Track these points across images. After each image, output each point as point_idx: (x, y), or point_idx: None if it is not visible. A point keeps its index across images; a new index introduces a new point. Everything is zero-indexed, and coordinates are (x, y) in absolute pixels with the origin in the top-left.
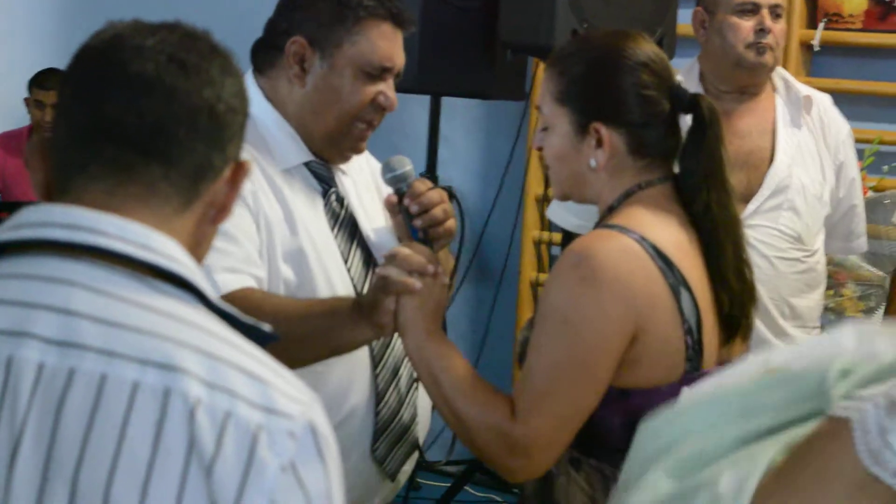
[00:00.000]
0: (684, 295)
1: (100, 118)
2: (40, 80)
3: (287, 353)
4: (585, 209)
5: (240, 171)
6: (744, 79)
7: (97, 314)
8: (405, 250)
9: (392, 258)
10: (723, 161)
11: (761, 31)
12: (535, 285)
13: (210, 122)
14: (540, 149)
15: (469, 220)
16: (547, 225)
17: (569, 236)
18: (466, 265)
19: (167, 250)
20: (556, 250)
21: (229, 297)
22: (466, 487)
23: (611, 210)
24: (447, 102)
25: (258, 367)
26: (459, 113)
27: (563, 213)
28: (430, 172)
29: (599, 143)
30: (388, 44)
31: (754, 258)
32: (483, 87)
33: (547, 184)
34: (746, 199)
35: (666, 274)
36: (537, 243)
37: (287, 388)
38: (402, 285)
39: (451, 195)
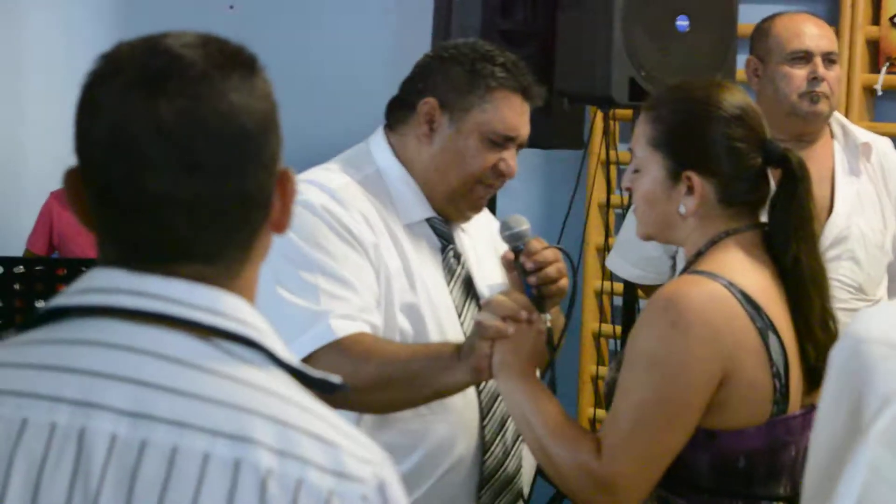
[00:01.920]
0: (772, 339)
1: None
2: None
3: (393, 394)
4: (645, 259)
5: (286, 180)
6: (799, 127)
7: (167, 384)
8: (500, 297)
9: (488, 305)
10: (812, 214)
11: (815, 79)
12: (598, 336)
13: (246, 144)
14: (628, 189)
15: None
16: (608, 275)
17: (630, 287)
18: None
19: (237, 313)
20: (617, 300)
21: (342, 341)
22: None
23: (698, 255)
24: None
25: (328, 431)
26: (518, 163)
27: (622, 264)
28: None
29: (690, 191)
30: (514, 115)
31: None
32: (540, 136)
33: (608, 233)
34: None
35: (754, 318)
36: (599, 294)
37: (357, 449)
38: (495, 330)
39: (565, 254)
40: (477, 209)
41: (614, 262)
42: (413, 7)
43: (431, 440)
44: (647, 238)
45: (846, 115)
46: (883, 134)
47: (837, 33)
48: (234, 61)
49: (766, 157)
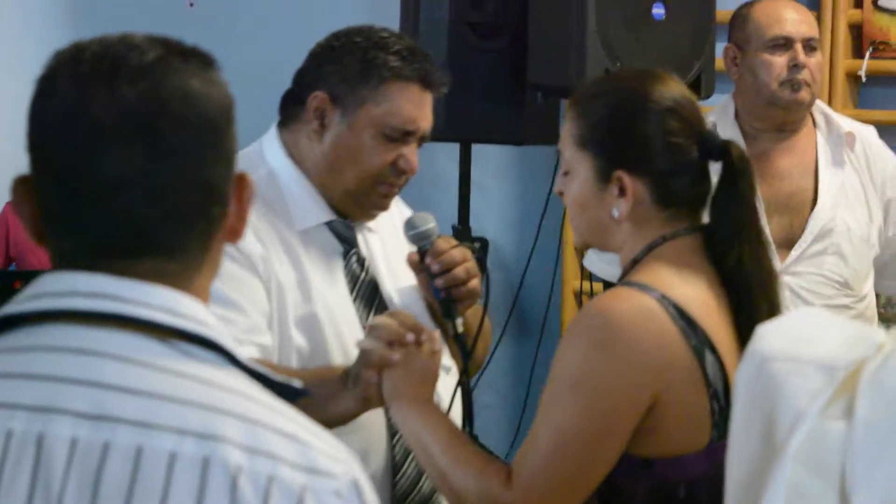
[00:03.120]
0: (709, 358)
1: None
2: None
3: None
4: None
5: (243, 185)
6: (780, 117)
7: (129, 385)
8: (384, 320)
9: (372, 329)
10: (756, 212)
11: (795, 66)
12: None
13: (208, 130)
14: (561, 193)
15: (505, 272)
16: (587, 275)
17: (610, 286)
18: (504, 320)
19: (195, 314)
20: None
21: None
22: None
23: (634, 263)
24: (477, 149)
25: (296, 428)
26: (491, 160)
27: (599, 263)
28: (463, 223)
29: (622, 192)
30: (412, 107)
31: (799, 307)
32: (514, 131)
33: None
34: (789, 244)
35: (688, 335)
36: (578, 294)
37: (326, 447)
38: (378, 358)
39: (474, 251)
40: (382, 207)
41: (592, 262)
42: (380, 1)
43: None
44: (584, 246)
45: (829, 103)
46: (868, 122)
47: (819, 18)
48: (192, 53)
49: (704, 151)
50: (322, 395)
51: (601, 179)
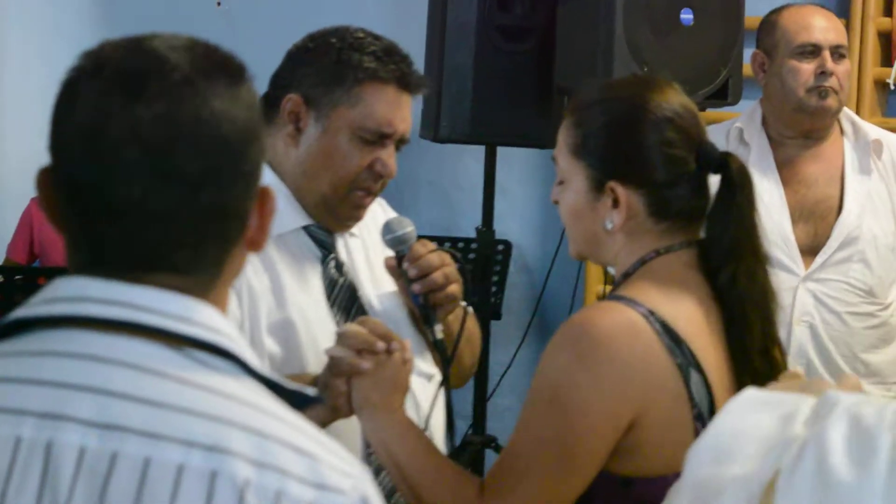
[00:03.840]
0: (694, 377)
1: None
2: None
3: None
4: None
5: (266, 198)
6: (807, 124)
7: (138, 394)
8: (354, 327)
9: (341, 336)
10: (755, 227)
11: (822, 73)
12: None
13: (225, 153)
14: (556, 202)
15: (528, 275)
16: (610, 279)
17: None
18: (527, 324)
19: (209, 322)
20: None
21: None
22: None
23: (625, 277)
24: (503, 152)
25: (306, 442)
26: (516, 163)
27: None
28: (487, 226)
29: (616, 204)
30: (388, 108)
31: (824, 314)
32: (539, 135)
33: None
34: (814, 251)
35: (674, 353)
36: (601, 298)
37: (337, 461)
38: (348, 366)
39: (454, 256)
40: (356, 218)
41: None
42: (408, 3)
43: None
44: (579, 257)
45: (857, 111)
46: (895, 130)
47: (848, 25)
48: (221, 68)
49: (702, 162)
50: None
51: (595, 190)
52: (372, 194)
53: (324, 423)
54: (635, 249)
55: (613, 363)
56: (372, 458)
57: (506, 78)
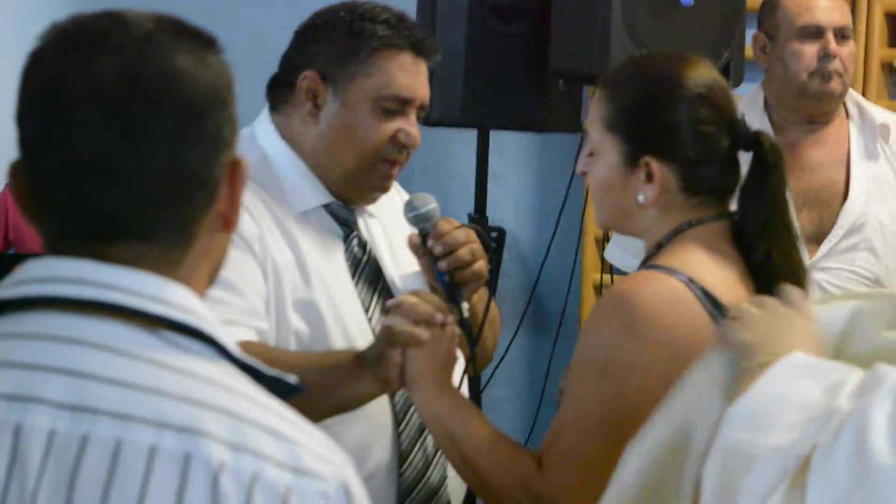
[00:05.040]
0: None
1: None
2: None
3: None
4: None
5: (236, 170)
6: (810, 108)
7: (110, 375)
8: (411, 299)
9: (398, 307)
10: (787, 205)
11: (826, 56)
12: None
13: (188, 112)
14: (584, 174)
15: (523, 263)
16: (608, 267)
17: None
18: (521, 313)
19: (183, 302)
20: None
21: None
22: None
23: (658, 248)
24: (496, 137)
25: (285, 426)
26: (510, 148)
27: (622, 255)
28: (480, 213)
29: (650, 178)
30: (407, 75)
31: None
32: (534, 119)
33: None
34: (818, 239)
35: (715, 318)
36: (598, 287)
37: (316, 447)
38: (408, 336)
39: (479, 233)
40: (383, 189)
41: (614, 254)
42: None
43: None
44: (606, 228)
45: (863, 94)
46: None
47: (854, 5)
48: (189, 32)
49: (735, 140)
50: (337, 378)
51: (628, 164)
52: (398, 165)
53: (371, 397)
54: (667, 222)
55: (659, 329)
56: (403, 435)
57: (499, 60)
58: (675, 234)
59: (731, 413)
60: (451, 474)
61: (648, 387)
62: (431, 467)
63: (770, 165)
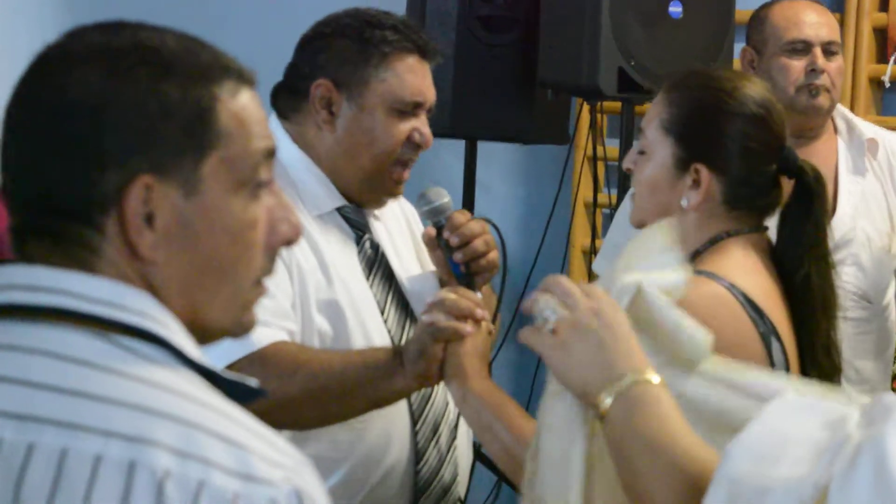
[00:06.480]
0: (775, 345)
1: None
2: None
3: (327, 407)
4: None
5: (129, 194)
6: (798, 122)
7: (58, 384)
8: (452, 295)
9: (440, 304)
10: (826, 233)
11: (813, 71)
12: None
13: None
14: (629, 170)
15: (509, 275)
16: (595, 280)
17: None
18: (507, 325)
19: (138, 305)
20: None
21: (262, 352)
22: None
23: (696, 255)
24: (484, 147)
25: (237, 432)
26: (497, 158)
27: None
28: None
29: (696, 184)
30: (417, 77)
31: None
32: (522, 130)
33: (595, 235)
34: None
35: (757, 323)
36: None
37: (269, 452)
38: (452, 331)
39: (493, 226)
40: (394, 194)
41: (602, 267)
42: None
43: (361, 451)
44: (641, 225)
45: (852, 109)
46: (891, 128)
47: (843, 20)
48: (132, 57)
49: (781, 166)
50: (377, 375)
51: (679, 167)
52: (409, 167)
53: (410, 392)
54: (706, 229)
55: (707, 330)
56: (419, 433)
57: (487, 70)
58: (712, 243)
59: (732, 445)
60: (461, 471)
61: None
62: (445, 465)
63: (815, 195)
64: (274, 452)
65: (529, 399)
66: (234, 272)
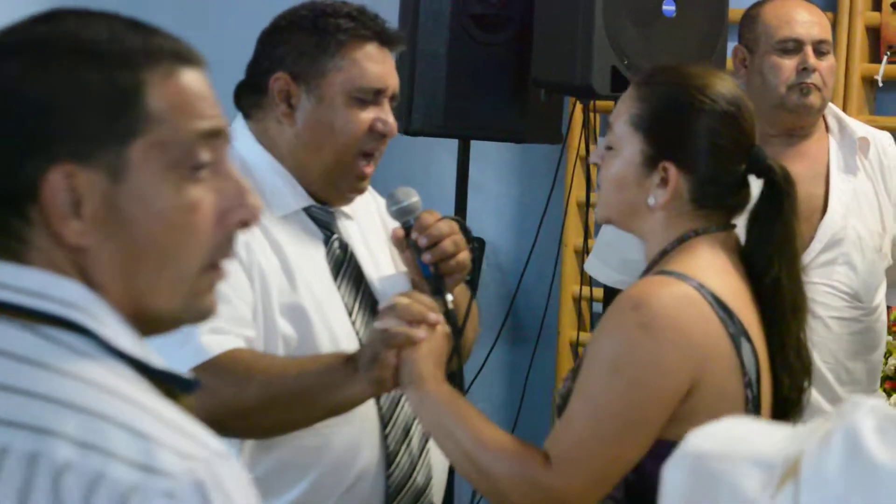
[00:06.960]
0: (745, 346)
1: None
2: None
3: (283, 415)
4: (628, 263)
5: (51, 182)
6: (789, 121)
7: None
8: (404, 300)
9: (391, 309)
10: (796, 234)
11: (804, 70)
12: (576, 345)
13: None
14: (596, 165)
15: (502, 274)
16: (587, 279)
17: (611, 292)
18: (500, 324)
19: (65, 295)
20: (597, 307)
21: (217, 360)
22: None
23: (663, 254)
24: (477, 146)
25: (149, 423)
26: (490, 158)
27: (602, 268)
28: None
29: (664, 183)
30: (376, 65)
31: (807, 319)
32: (515, 129)
33: (587, 235)
34: None
35: (726, 323)
36: (577, 300)
37: (180, 442)
38: (404, 337)
39: (460, 224)
40: (359, 190)
41: (594, 266)
42: None
43: (329, 456)
44: (606, 222)
45: (844, 108)
46: (883, 128)
47: (835, 19)
48: (53, 47)
49: (750, 165)
50: (331, 381)
51: (646, 165)
52: (373, 161)
53: (365, 399)
54: (673, 228)
55: (673, 332)
56: (389, 437)
57: (481, 69)
58: (680, 242)
59: (696, 433)
60: (436, 475)
61: (662, 387)
62: (417, 468)
63: (784, 195)
64: (186, 443)
65: (522, 399)
66: (174, 257)
